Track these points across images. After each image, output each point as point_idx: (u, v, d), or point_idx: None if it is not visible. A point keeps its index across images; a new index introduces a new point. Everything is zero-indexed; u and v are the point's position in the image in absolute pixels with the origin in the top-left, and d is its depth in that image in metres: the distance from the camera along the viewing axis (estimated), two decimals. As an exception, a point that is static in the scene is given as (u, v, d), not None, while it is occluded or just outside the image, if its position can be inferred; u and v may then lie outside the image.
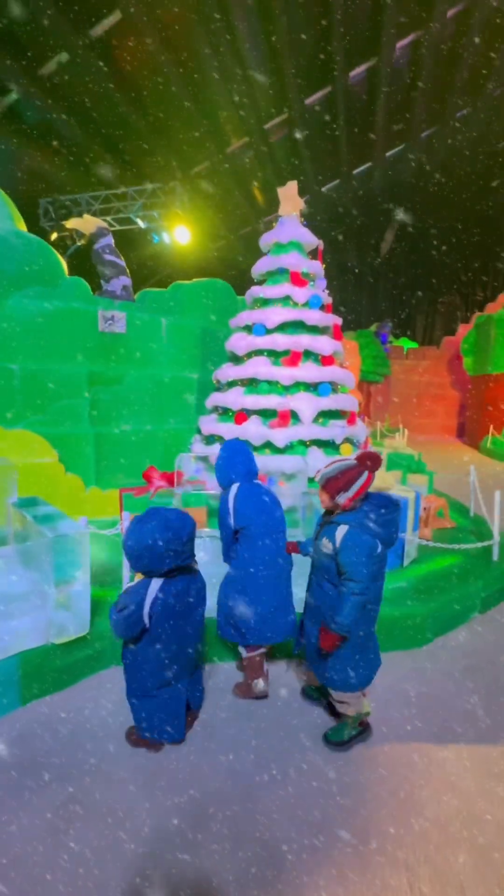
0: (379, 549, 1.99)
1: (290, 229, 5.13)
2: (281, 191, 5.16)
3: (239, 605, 2.34)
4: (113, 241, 5.76)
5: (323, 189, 20.64)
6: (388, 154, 20.04)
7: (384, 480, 3.81)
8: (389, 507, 2.06)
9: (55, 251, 4.88)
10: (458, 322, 25.14)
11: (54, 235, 11.35)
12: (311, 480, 4.45)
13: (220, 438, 4.98)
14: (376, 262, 26.38)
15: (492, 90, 17.03)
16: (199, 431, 5.32)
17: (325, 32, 13.15)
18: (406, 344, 20.80)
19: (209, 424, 5.05)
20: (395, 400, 18.93)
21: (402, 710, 2.49)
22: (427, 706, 2.53)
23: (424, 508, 4.47)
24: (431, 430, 18.92)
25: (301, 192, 5.27)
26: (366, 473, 2.03)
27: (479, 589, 3.56)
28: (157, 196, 11.49)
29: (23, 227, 5.25)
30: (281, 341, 4.80)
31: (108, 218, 11.62)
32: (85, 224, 5.65)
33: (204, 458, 4.87)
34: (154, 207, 11.43)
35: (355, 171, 20.51)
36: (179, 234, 11.44)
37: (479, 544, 3.68)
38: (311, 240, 5.21)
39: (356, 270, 26.39)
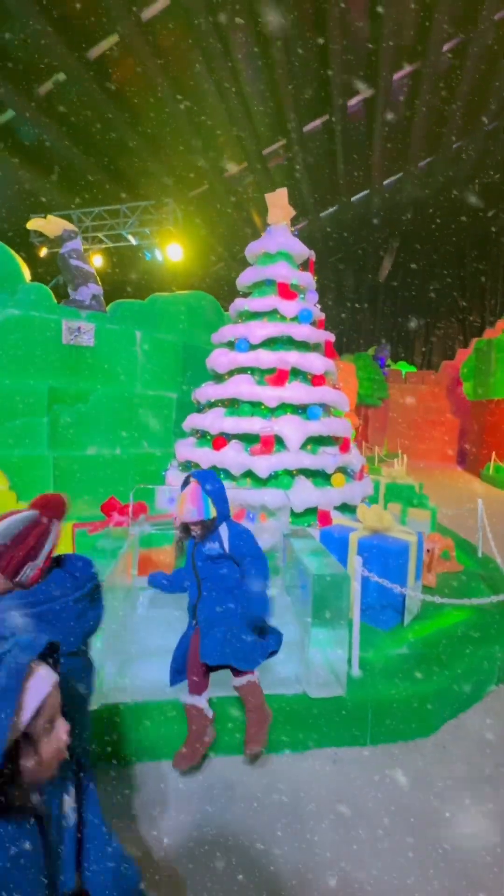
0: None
1: (279, 238, 4.71)
2: (269, 197, 4.76)
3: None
4: (81, 245, 5.33)
5: (321, 215, 20.76)
6: (385, 182, 20.26)
7: (382, 520, 3.23)
8: (84, 584, 1.30)
9: (11, 252, 4.42)
10: (456, 347, 25.03)
11: (43, 251, 11.06)
12: (295, 517, 3.86)
13: (197, 465, 4.41)
14: (374, 287, 26.46)
15: (487, 123, 17.29)
16: (175, 457, 4.75)
17: (322, 61, 13.29)
18: (404, 368, 20.53)
19: (185, 449, 4.50)
20: (399, 420, 18.48)
21: (400, 838, 1.84)
22: (437, 833, 1.88)
23: (428, 550, 3.88)
24: (430, 457, 18.39)
25: (298, 218, 4.89)
26: (55, 524, 1.36)
27: (495, 655, 2.93)
28: (149, 213, 11.28)
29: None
30: (266, 358, 4.30)
31: (100, 234, 11.37)
32: (49, 226, 5.23)
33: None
34: (147, 224, 11.19)
35: (353, 198, 20.68)
36: (172, 251, 11.18)
37: (495, 598, 3.07)
38: (302, 250, 4.78)
39: (353, 295, 26.43)
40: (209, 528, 2.22)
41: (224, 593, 2.22)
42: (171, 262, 11.46)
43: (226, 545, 2.22)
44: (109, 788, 2.05)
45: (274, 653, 2.25)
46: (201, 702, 2.14)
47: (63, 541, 4.07)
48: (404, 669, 2.62)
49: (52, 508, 1.37)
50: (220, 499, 2.24)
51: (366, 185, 19.93)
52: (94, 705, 2.20)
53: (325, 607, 2.30)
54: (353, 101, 15.28)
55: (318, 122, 15.68)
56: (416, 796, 2.07)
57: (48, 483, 4.32)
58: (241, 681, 2.16)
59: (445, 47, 13.80)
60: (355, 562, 2.54)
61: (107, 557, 2.50)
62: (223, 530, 2.25)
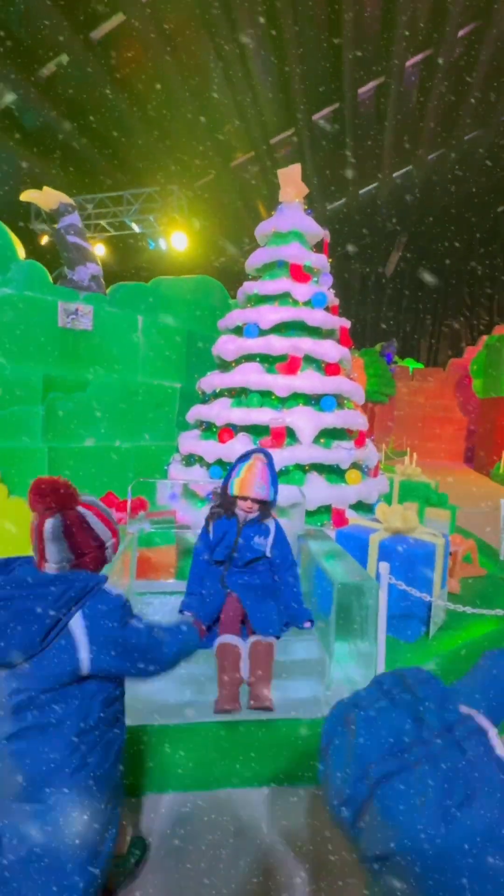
0: None
1: (292, 217, 4.40)
2: (282, 173, 4.45)
3: None
4: (80, 220, 5.00)
5: (328, 206, 20.36)
6: (395, 174, 19.84)
7: (406, 520, 2.93)
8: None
9: (4, 227, 4.11)
10: (464, 345, 24.63)
11: (45, 238, 10.75)
12: (307, 516, 3.56)
13: (201, 459, 4.12)
14: (382, 282, 26.06)
15: (500, 114, 16.84)
16: (178, 450, 4.47)
17: (334, 48, 12.89)
18: (412, 364, 20.16)
19: (189, 442, 4.21)
20: (406, 417, 18.16)
21: None
22: None
23: (451, 553, 3.58)
24: (438, 455, 18.05)
25: (306, 208, 4.56)
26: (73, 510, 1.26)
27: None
28: (154, 200, 10.94)
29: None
30: (277, 344, 4.00)
31: (103, 222, 11.04)
32: (44, 198, 4.89)
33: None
34: (151, 212, 10.85)
35: (361, 191, 20.28)
36: (177, 240, 10.84)
37: (529, 608, 2.78)
38: (316, 230, 4.47)
39: (360, 289, 26.04)
40: (266, 512, 2.17)
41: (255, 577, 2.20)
42: (175, 252, 11.14)
43: (270, 544, 2.19)
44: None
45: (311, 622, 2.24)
46: (233, 639, 2.03)
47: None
48: (434, 689, 2.33)
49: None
50: (277, 486, 2.24)
51: (374, 177, 19.53)
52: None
53: (350, 619, 2.01)
54: (363, 90, 14.87)
55: (327, 110, 15.29)
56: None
57: (42, 475, 4.04)
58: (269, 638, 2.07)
59: (460, 33, 13.39)
60: (382, 568, 2.24)
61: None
62: (271, 525, 2.21)
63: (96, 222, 11.06)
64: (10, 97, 10.86)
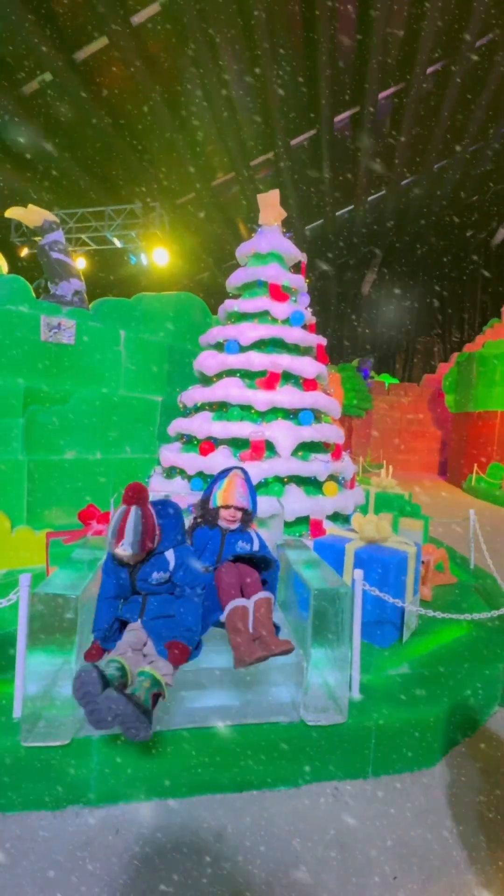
0: None
1: (271, 239, 4.59)
2: (262, 198, 4.65)
3: None
4: (63, 237, 5.08)
5: (307, 227, 20.98)
6: (369, 199, 20.66)
7: (380, 529, 3.06)
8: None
9: (-11, 242, 4.15)
10: (437, 361, 25.51)
11: (24, 251, 10.73)
12: (286, 526, 3.67)
13: (182, 471, 4.18)
14: (357, 300, 26.84)
15: (466, 146, 17.85)
16: (159, 463, 4.51)
17: (312, 77, 13.49)
18: (387, 380, 20.75)
19: (170, 455, 4.27)
20: (382, 431, 18.64)
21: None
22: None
23: (423, 562, 3.73)
24: (412, 468, 18.53)
25: (284, 229, 4.78)
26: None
27: (500, 674, 2.77)
28: (135, 216, 11.10)
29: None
30: (257, 360, 4.14)
31: (84, 236, 11.11)
32: (29, 215, 4.96)
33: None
34: (132, 228, 10.99)
35: (338, 212, 21.01)
36: (158, 256, 10.99)
37: (496, 613, 2.93)
38: (294, 252, 4.67)
39: (337, 307, 26.74)
40: (247, 521, 2.35)
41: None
42: (156, 267, 11.27)
43: (256, 545, 2.34)
44: (81, 835, 1.78)
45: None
46: (239, 601, 2.17)
47: (37, 550, 3.72)
48: (407, 691, 2.43)
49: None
50: (256, 499, 2.43)
51: (350, 200, 20.29)
52: (64, 740, 1.93)
53: (326, 625, 2.11)
54: (339, 118, 15.56)
55: (305, 136, 15.90)
56: (422, 836, 1.86)
57: (21, 489, 4.02)
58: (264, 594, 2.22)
59: (429, 70, 14.23)
60: (356, 574, 2.35)
61: (83, 569, 2.24)
62: (254, 534, 2.38)
63: (77, 236, 11.13)
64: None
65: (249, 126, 14.26)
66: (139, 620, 2.07)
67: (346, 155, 17.25)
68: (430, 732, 2.26)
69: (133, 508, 1.99)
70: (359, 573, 2.36)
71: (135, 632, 2.04)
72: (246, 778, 2.06)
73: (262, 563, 2.35)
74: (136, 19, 10.65)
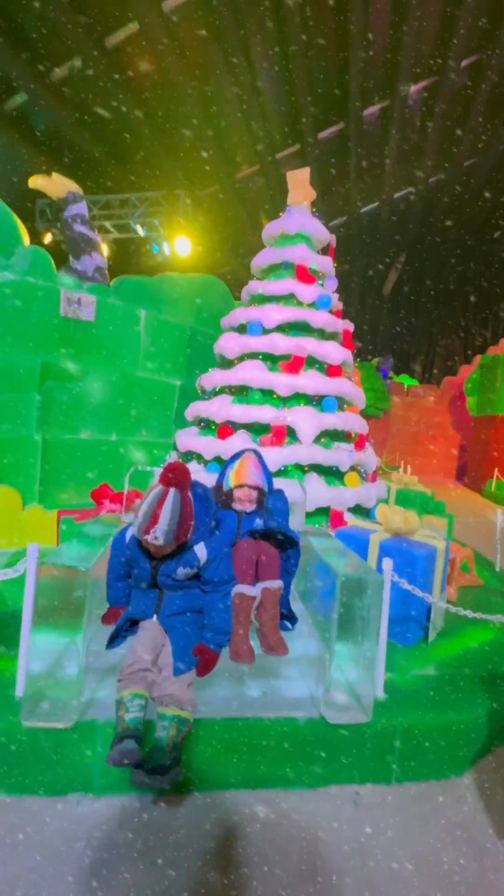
0: None
1: (300, 219, 4.42)
2: (291, 175, 4.47)
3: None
4: (87, 210, 4.96)
5: (330, 224, 20.72)
6: (396, 195, 20.28)
7: (408, 521, 2.88)
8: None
9: (10, 212, 4.07)
10: (458, 363, 24.96)
11: (48, 237, 10.73)
12: (308, 517, 3.50)
13: (199, 456, 4.05)
14: (379, 299, 26.44)
15: (497, 144, 17.37)
16: (175, 447, 4.39)
17: (342, 69, 13.24)
18: (406, 381, 20.37)
19: (187, 438, 4.14)
20: (400, 432, 18.29)
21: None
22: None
23: (449, 560, 3.52)
24: (429, 471, 18.12)
25: (314, 211, 4.60)
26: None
27: (533, 681, 2.56)
28: (159, 204, 11.01)
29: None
30: (281, 343, 3.97)
31: (107, 223, 11.07)
32: (52, 185, 4.86)
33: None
34: (156, 216, 10.91)
35: (363, 209, 20.67)
36: (180, 245, 10.89)
37: (530, 616, 2.72)
38: (323, 233, 4.49)
39: (358, 305, 26.39)
40: (261, 501, 2.21)
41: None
42: (179, 258, 11.18)
43: (274, 523, 2.20)
44: (81, 825, 1.66)
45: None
46: (247, 588, 2.03)
47: (48, 530, 3.61)
48: (434, 693, 2.25)
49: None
50: (271, 479, 2.34)
51: (376, 197, 19.94)
52: (67, 722, 1.80)
53: (353, 615, 1.94)
54: (368, 111, 15.26)
55: (333, 129, 15.64)
56: (450, 853, 1.69)
57: (34, 467, 3.93)
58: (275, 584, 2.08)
59: (463, 63, 13.84)
60: (385, 564, 2.18)
61: (94, 544, 2.12)
62: (270, 514, 2.27)
63: (100, 223, 11.09)
64: (21, 98, 10.95)
65: (277, 117, 14.08)
66: (155, 617, 1.86)
67: (374, 150, 16.93)
68: (460, 738, 2.08)
69: (172, 491, 1.73)
70: (388, 562, 2.19)
71: (149, 632, 1.83)
72: (259, 775, 1.91)
73: (282, 541, 2.17)
74: (168, 6, 10.55)
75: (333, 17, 11.82)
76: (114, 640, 1.88)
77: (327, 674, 1.99)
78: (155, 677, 1.73)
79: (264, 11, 10.91)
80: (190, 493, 1.82)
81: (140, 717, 1.64)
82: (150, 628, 1.83)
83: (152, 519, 1.69)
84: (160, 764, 1.57)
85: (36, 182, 5.00)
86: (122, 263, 13.91)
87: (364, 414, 4.10)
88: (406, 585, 2.28)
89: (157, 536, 1.70)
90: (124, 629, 1.91)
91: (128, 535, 1.90)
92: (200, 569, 1.85)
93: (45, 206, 10.99)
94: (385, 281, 26.12)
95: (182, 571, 1.80)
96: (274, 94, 13.30)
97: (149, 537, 1.70)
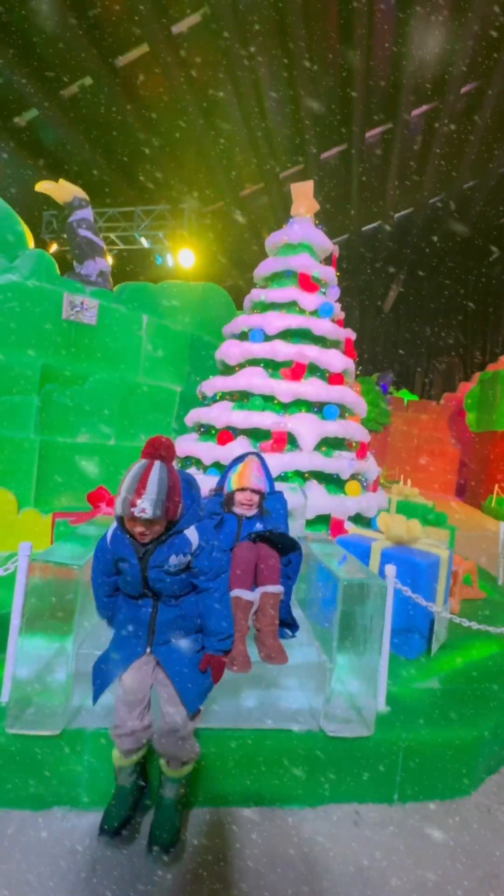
0: None
1: (303, 229, 4.46)
2: (295, 187, 4.53)
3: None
4: (92, 216, 5.01)
5: (332, 241, 21.05)
6: (396, 215, 20.67)
7: (410, 529, 2.82)
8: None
9: (16, 216, 4.09)
10: (457, 380, 25.10)
11: (53, 247, 10.86)
12: (308, 524, 3.43)
13: (198, 462, 4.00)
14: (379, 316, 26.73)
15: (495, 167, 17.80)
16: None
17: (345, 92, 13.61)
18: (406, 396, 20.44)
19: (186, 444, 4.09)
20: (399, 447, 18.25)
21: None
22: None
23: (452, 572, 3.44)
24: (428, 486, 18.04)
25: (316, 221, 4.65)
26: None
27: (540, 697, 2.47)
28: (164, 217, 11.18)
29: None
30: (283, 350, 3.96)
31: (112, 235, 11.22)
32: (59, 190, 4.91)
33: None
34: (160, 229, 11.07)
35: (364, 228, 21.05)
36: (184, 257, 11.02)
37: (536, 629, 2.64)
38: (326, 244, 4.53)
39: (358, 321, 26.66)
40: (261, 505, 2.19)
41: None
42: (182, 269, 11.31)
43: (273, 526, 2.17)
44: (65, 841, 1.55)
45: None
46: (245, 593, 1.95)
47: (43, 534, 3.53)
48: (437, 708, 2.16)
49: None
50: (273, 482, 2.34)
51: (377, 216, 20.33)
52: (56, 730, 1.72)
53: (354, 623, 1.87)
54: (371, 133, 15.65)
55: (335, 150, 16.01)
56: (458, 882, 1.58)
57: (31, 469, 3.87)
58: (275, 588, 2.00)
59: (463, 90, 14.26)
60: (388, 570, 2.11)
61: (89, 544, 2.05)
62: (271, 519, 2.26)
63: (106, 235, 11.24)
64: (31, 113, 11.21)
65: (281, 137, 14.41)
66: (148, 650, 1.61)
67: (375, 171, 17.32)
68: (466, 756, 1.99)
69: (157, 463, 1.55)
70: (391, 569, 2.12)
71: (134, 681, 1.58)
72: (256, 790, 1.82)
73: (282, 545, 2.10)
74: (177, 28, 10.89)
75: (338, 39, 12.20)
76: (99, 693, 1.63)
77: (328, 685, 1.90)
78: (150, 733, 1.61)
79: (270, 36, 11.26)
80: (175, 470, 1.65)
81: (137, 779, 1.67)
82: (140, 668, 1.61)
83: (137, 490, 1.48)
84: (163, 842, 1.54)
85: (43, 186, 5.06)
86: (125, 273, 14.09)
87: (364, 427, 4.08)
88: (408, 593, 2.21)
89: (145, 508, 1.47)
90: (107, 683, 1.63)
91: (109, 534, 1.70)
92: (192, 556, 1.64)
93: (51, 217, 11.16)
94: (385, 298, 26.44)
95: (175, 559, 1.59)
96: (278, 114, 13.65)
97: (135, 510, 1.47)
